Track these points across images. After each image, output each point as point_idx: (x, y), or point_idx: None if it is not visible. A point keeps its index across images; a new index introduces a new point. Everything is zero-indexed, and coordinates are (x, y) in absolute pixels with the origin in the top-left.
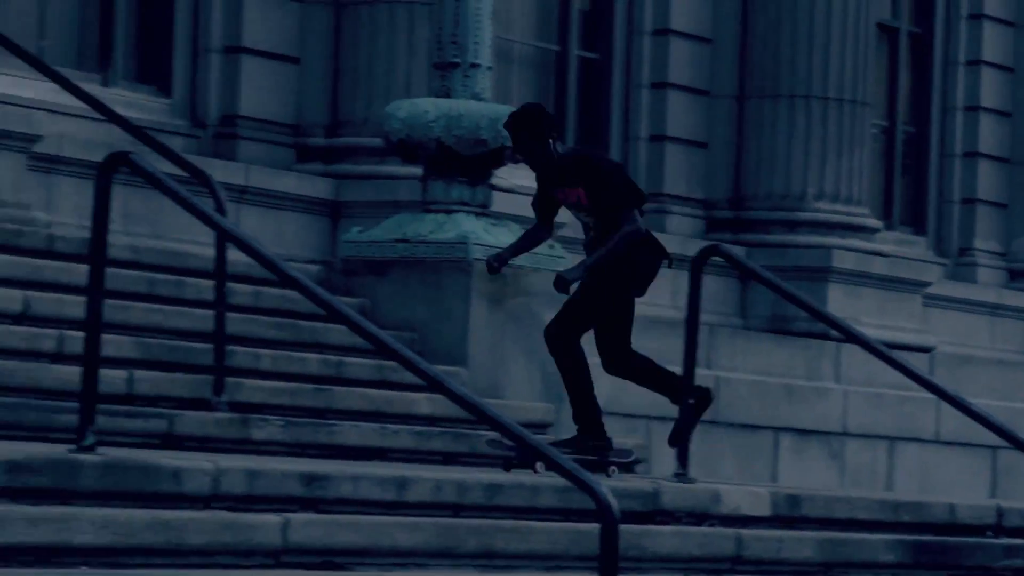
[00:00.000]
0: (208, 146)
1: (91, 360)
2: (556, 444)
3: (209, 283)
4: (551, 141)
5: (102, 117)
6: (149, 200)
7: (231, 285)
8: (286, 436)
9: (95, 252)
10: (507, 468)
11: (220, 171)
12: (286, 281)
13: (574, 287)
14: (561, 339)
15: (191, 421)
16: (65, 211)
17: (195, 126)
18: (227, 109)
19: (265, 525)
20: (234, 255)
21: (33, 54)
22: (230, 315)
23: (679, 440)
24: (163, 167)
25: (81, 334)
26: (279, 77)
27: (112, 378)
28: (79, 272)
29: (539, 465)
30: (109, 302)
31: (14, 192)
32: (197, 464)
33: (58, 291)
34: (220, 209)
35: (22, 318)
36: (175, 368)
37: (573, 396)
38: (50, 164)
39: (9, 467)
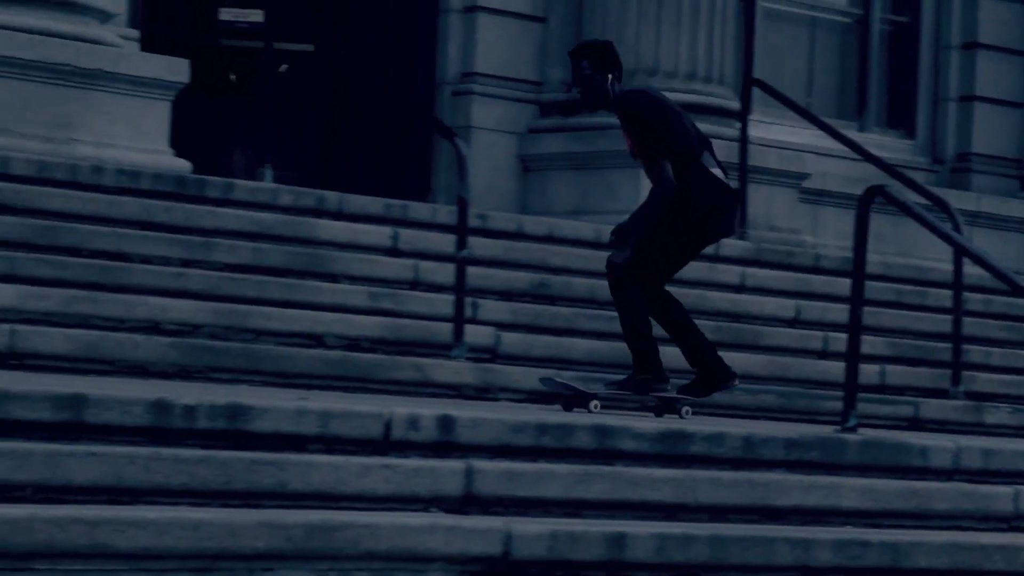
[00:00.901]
0: (945, 179)
1: (852, 357)
2: (611, 384)
3: (947, 292)
4: (610, 78)
5: (858, 157)
6: (896, 224)
7: (965, 294)
8: (1013, 420)
9: (856, 268)
10: (567, 408)
11: (956, 199)
12: (1016, 290)
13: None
14: (614, 276)
15: (933, 407)
16: (828, 235)
17: (934, 162)
18: (961, 148)
19: (999, 495)
20: (968, 269)
21: (802, 107)
22: (965, 319)
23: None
24: (909, 197)
25: (843, 335)
26: (1007, 120)
27: (867, 372)
28: (840, 285)
29: (593, 404)
30: (865, 309)
31: (787, 220)
32: (940, 443)
33: (823, 300)
34: (957, 231)
35: (794, 322)
36: (919, 363)
37: (628, 334)
38: (816, 197)
39: (786, 443)
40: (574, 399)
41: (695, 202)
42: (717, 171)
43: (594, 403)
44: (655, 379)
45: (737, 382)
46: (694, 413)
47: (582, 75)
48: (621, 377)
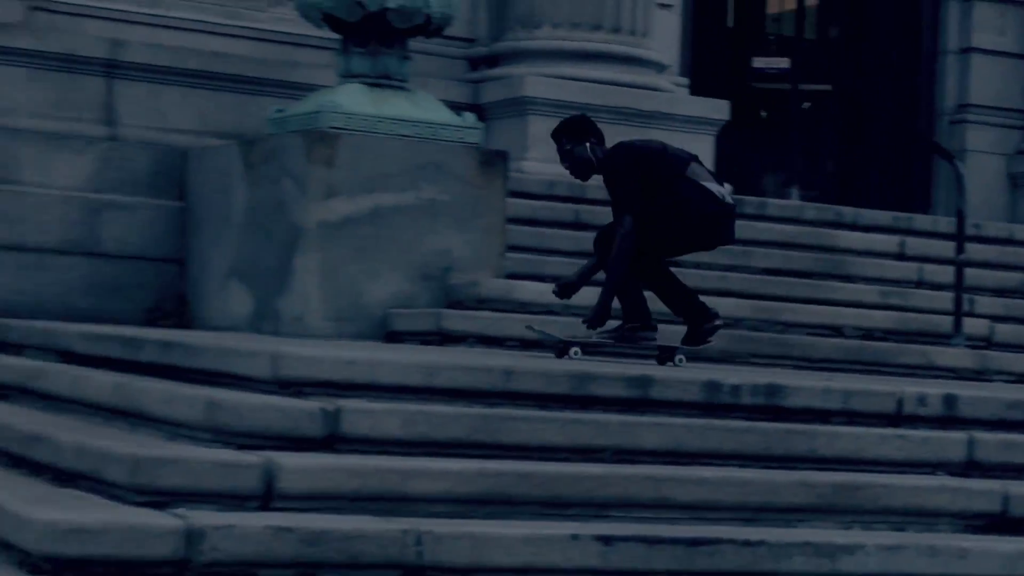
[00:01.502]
0: None
1: None
2: (601, 333)
3: None
4: (588, 145)
5: None
6: None
7: None
8: None
9: None
10: (560, 356)
11: None
12: None
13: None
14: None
15: None
16: None
17: None
18: None
19: None
20: None
21: None
22: None
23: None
24: None
25: None
26: None
27: None
28: None
29: (573, 351)
30: None
31: None
32: None
33: None
34: None
35: None
36: None
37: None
38: None
39: None
40: (559, 347)
41: (684, 207)
42: (711, 184)
43: (574, 350)
44: (643, 327)
45: (720, 322)
46: (689, 360)
47: (564, 151)
48: (616, 324)
